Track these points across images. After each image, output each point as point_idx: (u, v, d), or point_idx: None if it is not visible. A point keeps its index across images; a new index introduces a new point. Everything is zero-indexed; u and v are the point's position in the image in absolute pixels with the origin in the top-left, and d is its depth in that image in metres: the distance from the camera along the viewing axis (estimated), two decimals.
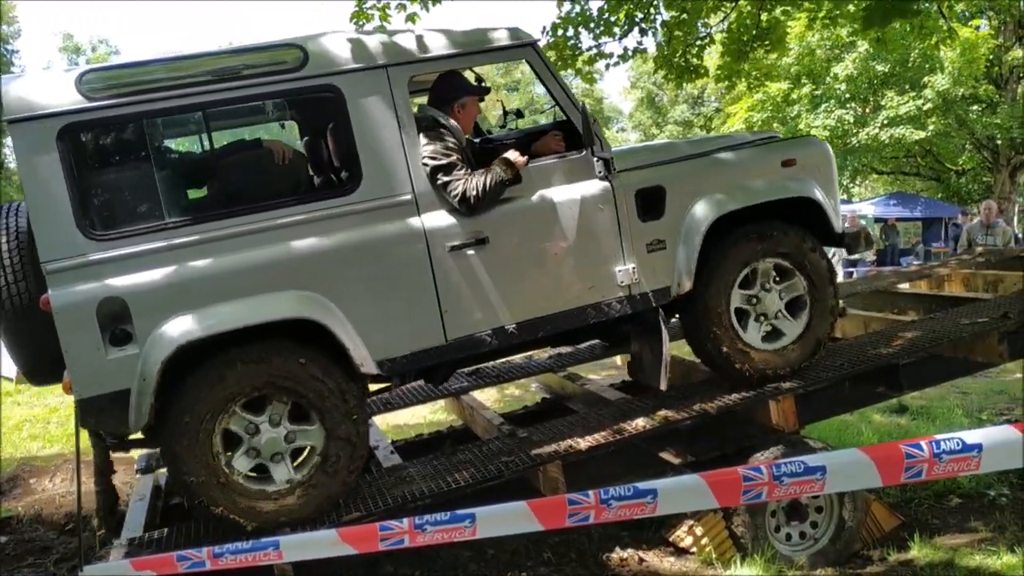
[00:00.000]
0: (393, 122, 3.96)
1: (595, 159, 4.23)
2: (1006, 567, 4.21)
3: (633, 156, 4.50)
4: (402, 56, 4.01)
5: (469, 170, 4.06)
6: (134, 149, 3.89)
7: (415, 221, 3.98)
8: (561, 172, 4.24)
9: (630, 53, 9.86)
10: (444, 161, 4.01)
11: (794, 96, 21.24)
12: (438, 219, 4.01)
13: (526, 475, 4.09)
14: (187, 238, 3.69)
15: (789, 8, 9.65)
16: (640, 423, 4.31)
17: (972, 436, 2.59)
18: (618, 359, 6.60)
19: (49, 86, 3.62)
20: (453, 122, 4.21)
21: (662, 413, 4.38)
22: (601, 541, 4.71)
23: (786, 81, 21.19)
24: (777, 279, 4.57)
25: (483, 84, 4.53)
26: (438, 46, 4.11)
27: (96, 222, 3.64)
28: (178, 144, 4.43)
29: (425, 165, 4.01)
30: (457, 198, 3.99)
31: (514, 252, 4.12)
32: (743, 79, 10.96)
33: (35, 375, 4.00)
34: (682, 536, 4.61)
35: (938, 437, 2.60)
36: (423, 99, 4.54)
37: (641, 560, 4.52)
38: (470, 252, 4.03)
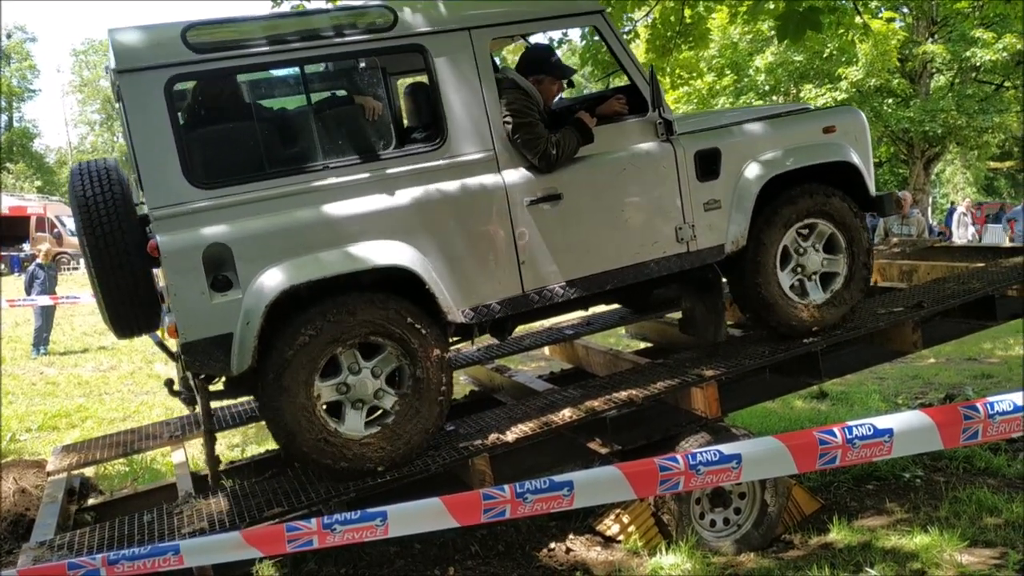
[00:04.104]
0: (475, 81, 4.15)
1: (659, 121, 4.44)
2: (920, 547, 4.34)
3: (690, 121, 4.75)
4: (483, 19, 4.21)
5: (547, 130, 4.24)
6: (236, 101, 4.13)
7: (496, 177, 4.19)
8: (628, 133, 4.48)
9: (555, 44, 9.88)
10: (525, 120, 4.20)
11: (718, 87, 21.57)
12: (516, 175, 4.22)
13: (454, 468, 4.08)
14: (285, 188, 3.86)
15: (711, 3, 9.79)
16: (567, 414, 4.32)
17: (883, 422, 2.66)
18: (546, 350, 6.61)
19: (157, 39, 3.72)
20: (531, 86, 4.39)
21: (589, 403, 4.39)
22: (529, 532, 4.70)
23: (710, 73, 21.52)
24: (821, 240, 4.82)
25: (569, 69, 4.73)
26: (516, 11, 4.35)
27: (201, 170, 3.77)
28: (276, 98, 4.55)
29: (506, 123, 4.20)
30: (538, 155, 4.19)
31: (585, 208, 4.33)
32: (668, 76, 11.09)
33: (124, 327, 4.06)
34: (609, 525, 4.63)
35: (850, 423, 2.66)
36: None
37: (568, 550, 4.53)
38: (545, 207, 4.24)
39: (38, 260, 13.96)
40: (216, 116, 4.06)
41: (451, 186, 4.09)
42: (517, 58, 4.75)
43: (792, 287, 4.81)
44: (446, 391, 4.05)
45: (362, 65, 4.37)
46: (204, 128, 3.99)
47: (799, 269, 4.82)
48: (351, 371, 3.92)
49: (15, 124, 49.03)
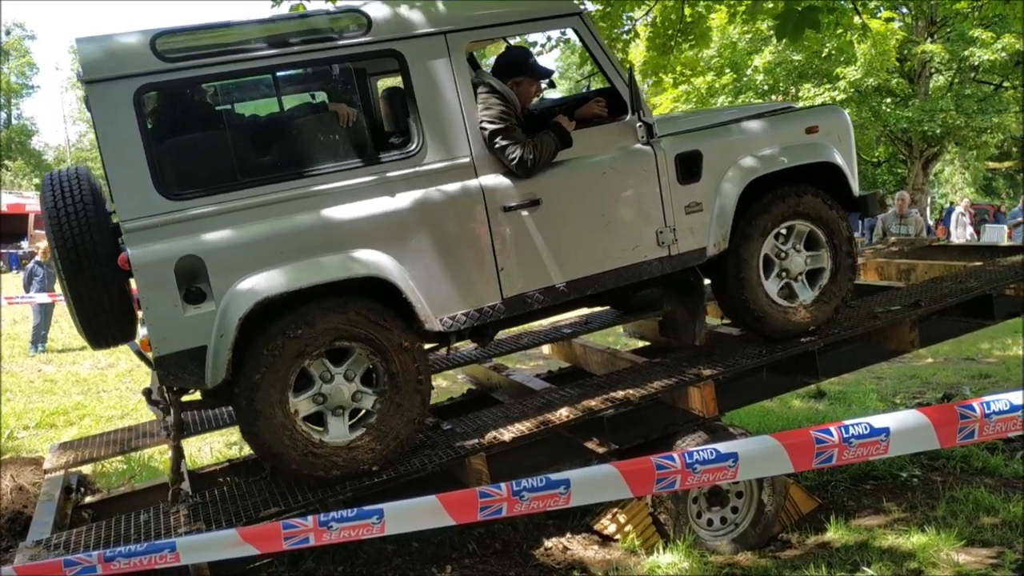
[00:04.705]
0: (452, 86, 4.11)
1: (639, 124, 4.40)
2: (917, 546, 4.34)
3: (671, 123, 4.72)
4: (460, 23, 4.16)
5: (525, 135, 4.21)
6: (207, 110, 4.09)
7: (473, 183, 4.14)
8: (607, 136, 4.44)
9: (553, 43, 9.88)
10: (502, 125, 4.16)
11: (717, 85, 21.56)
12: (494, 181, 4.18)
13: (451, 468, 4.07)
14: (258, 198, 3.80)
15: (711, 2, 9.78)
16: (564, 413, 4.31)
17: (880, 421, 2.66)
18: (544, 349, 6.61)
19: (125, 48, 3.67)
20: (508, 89, 4.35)
21: (586, 403, 4.39)
22: (526, 531, 4.70)
23: (710, 72, 21.50)
24: (800, 240, 4.81)
25: (547, 69, 4.69)
26: (493, 14, 4.31)
27: (172, 181, 3.72)
28: (248, 106, 4.50)
29: (483, 129, 4.15)
30: (515, 161, 4.14)
31: (564, 213, 4.30)
32: (668, 74, 11.07)
33: (98, 337, 3.99)
34: (606, 524, 4.63)
35: (847, 422, 2.66)
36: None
37: (565, 549, 4.53)
38: (524, 213, 4.21)
39: (37, 257, 13.95)
40: (187, 126, 4.00)
41: (428, 193, 4.03)
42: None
43: (780, 291, 4.78)
44: (424, 379, 4.01)
45: (336, 71, 4.32)
46: (175, 138, 3.91)
47: (784, 273, 4.79)
48: (324, 380, 3.88)
49: (13, 121, 48.98)
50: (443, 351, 5.04)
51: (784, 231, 4.75)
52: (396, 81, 4.75)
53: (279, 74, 4.04)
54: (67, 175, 3.90)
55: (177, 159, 3.82)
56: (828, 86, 20.20)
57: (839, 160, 4.79)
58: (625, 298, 5.25)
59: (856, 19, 10.05)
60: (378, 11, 4.05)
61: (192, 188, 3.75)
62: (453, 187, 4.09)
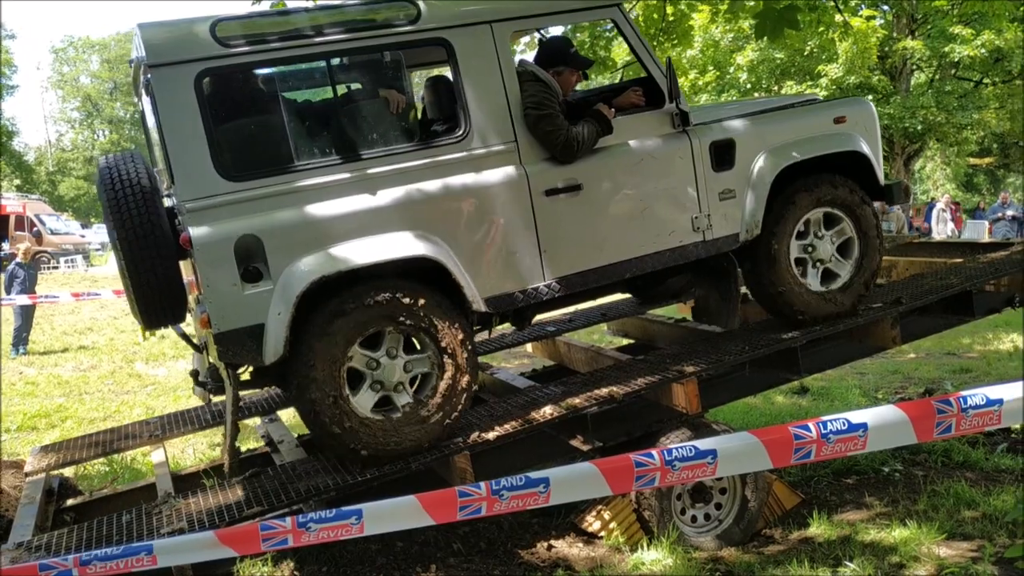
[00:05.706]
0: (497, 74, 4.24)
1: (676, 113, 4.54)
2: (899, 540, 4.37)
3: (704, 112, 4.84)
4: (504, 13, 4.30)
5: (567, 121, 4.33)
6: (265, 94, 4.21)
7: (518, 168, 4.27)
8: (645, 124, 4.60)
9: (537, 41, 9.86)
10: (546, 112, 4.28)
11: (700, 83, 21.61)
12: (537, 166, 4.31)
13: (435, 466, 4.08)
14: (314, 180, 3.93)
15: (693, 1, 9.80)
16: (548, 411, 4.32)
17: (858, 416, 2.67)
18: (529, 347, 6.61)
19: (186, 33, 3.79)
20: (551, 78, 4.46)
21: (570, 400, 4.40)
22: (511, 530, 4.71)
23: (693, 70, 21.56)
24: (839, 237, 4.94)
25: (587, 60, 4.86)
26: (536, 5, 4.44)
27: (231, 163, 3.83)
28: (302, 92, 4.62)
29: (527, 115, 4.26)
30: (559, 146, 4.29)
31: (604, 198, 4.45)
32: None
33: (153, 319, 4.08)
34: (591, 521, 4.64)
35: (825, 418, 2.67)
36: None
37: (550, 547, 4.54)
38: (566, 197, 4.34)
39: (18, 259, 13.84)
40: (245, 109, 4.12)
41: (474, 178, 4.17)
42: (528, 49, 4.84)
43: (803, 275, 4.88)
44: (457, 417, 4.08)
45: (387, 58, 4.43)
46: (233, 121, 4.03)
47: (809, 249, 4.91)
48: (388, 354, 3.97)
49: None
50: (485, 334, 5.13)
51: (827, 220, 4.88)
52: (424, 75, 4.91)
53: (332, 60, 4.14)
54: (123, 159, 3.98)
55: (236, 141, 3.94)
56: (810, 83, 20.28)
57: (866, 149, 4.92)
58: (653, 286, 5.40)
59: (838, 17, 10.10)
60: (426, 1, 4.16)
61: (250, 170, 3.87)
62: (498, 172, 4.22)
